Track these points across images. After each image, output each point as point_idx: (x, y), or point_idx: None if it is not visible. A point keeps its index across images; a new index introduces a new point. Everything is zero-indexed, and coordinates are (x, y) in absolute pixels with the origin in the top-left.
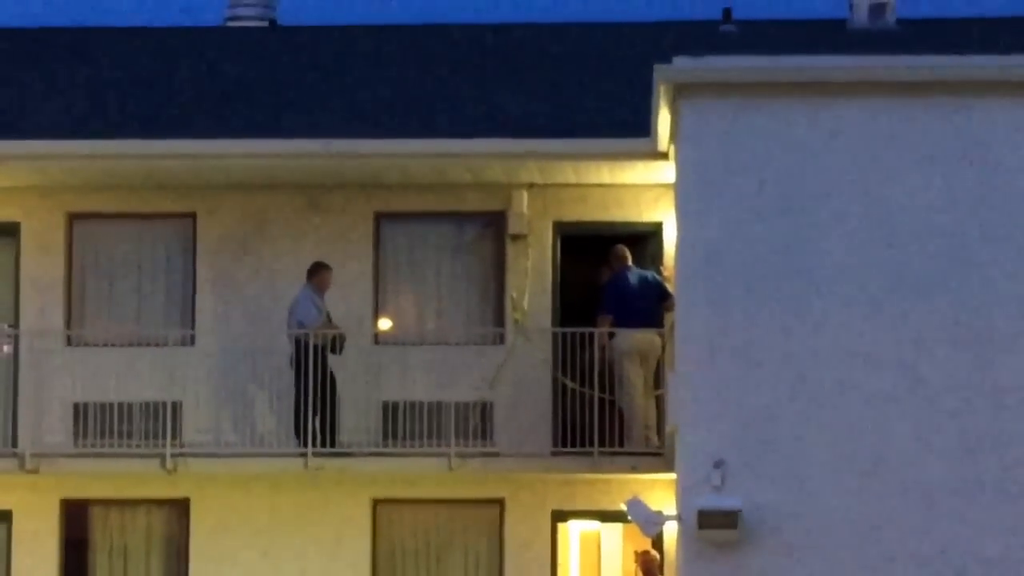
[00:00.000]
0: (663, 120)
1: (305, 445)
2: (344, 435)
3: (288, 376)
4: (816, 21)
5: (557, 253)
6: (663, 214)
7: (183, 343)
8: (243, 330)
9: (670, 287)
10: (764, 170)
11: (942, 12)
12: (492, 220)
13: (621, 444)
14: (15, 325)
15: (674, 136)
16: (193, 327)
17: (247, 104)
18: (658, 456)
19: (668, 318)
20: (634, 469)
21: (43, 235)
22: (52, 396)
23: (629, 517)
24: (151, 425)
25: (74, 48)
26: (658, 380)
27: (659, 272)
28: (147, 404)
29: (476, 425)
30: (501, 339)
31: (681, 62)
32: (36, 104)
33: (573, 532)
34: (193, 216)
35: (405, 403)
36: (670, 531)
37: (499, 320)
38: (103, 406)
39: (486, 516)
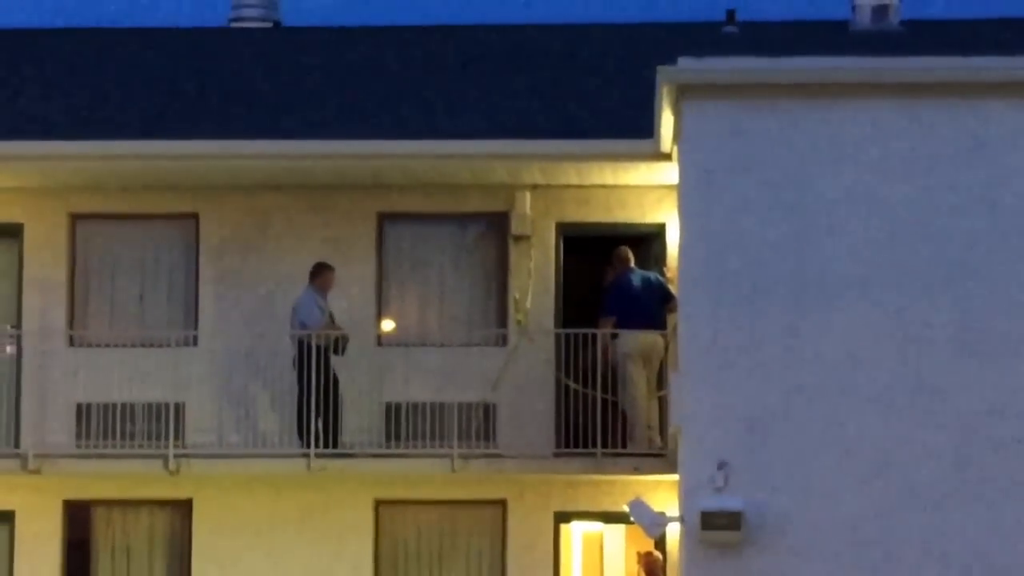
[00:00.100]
0: (666, 121)
1: (308, 446)
2: (347, 436)
3: (290, 377)
4: (819, 22)
5: (560, 254)
6: (666, 215)
7: (186, 344)
8: (246, 331)
9: (673, 288)
10: (767, 171)
11: (945, 13)
12: (495, 221)
13: (624, 445)
14: (18, 326)
15: (677, 137)
16: (196, 328)
17: (250, 105)
18: (661, 457)
19: (671, 319)
20: (637, 470)
21: (46, 236)
22: (55, 397)
23: (632, 518)
24: (154, 426)
25: (77, 49)
26: (661, 381)
27: (662, 273)
28: (150, 405)
29: (479, 426)
30: (504, 340)
31: (684, 63)
32: (39, 105)
33: (576, 533)
34: (196, 217)
35: (408, 404)
36: (673, 532)
37: (502, 321)
38: (106, 407)
39: (489, 517)
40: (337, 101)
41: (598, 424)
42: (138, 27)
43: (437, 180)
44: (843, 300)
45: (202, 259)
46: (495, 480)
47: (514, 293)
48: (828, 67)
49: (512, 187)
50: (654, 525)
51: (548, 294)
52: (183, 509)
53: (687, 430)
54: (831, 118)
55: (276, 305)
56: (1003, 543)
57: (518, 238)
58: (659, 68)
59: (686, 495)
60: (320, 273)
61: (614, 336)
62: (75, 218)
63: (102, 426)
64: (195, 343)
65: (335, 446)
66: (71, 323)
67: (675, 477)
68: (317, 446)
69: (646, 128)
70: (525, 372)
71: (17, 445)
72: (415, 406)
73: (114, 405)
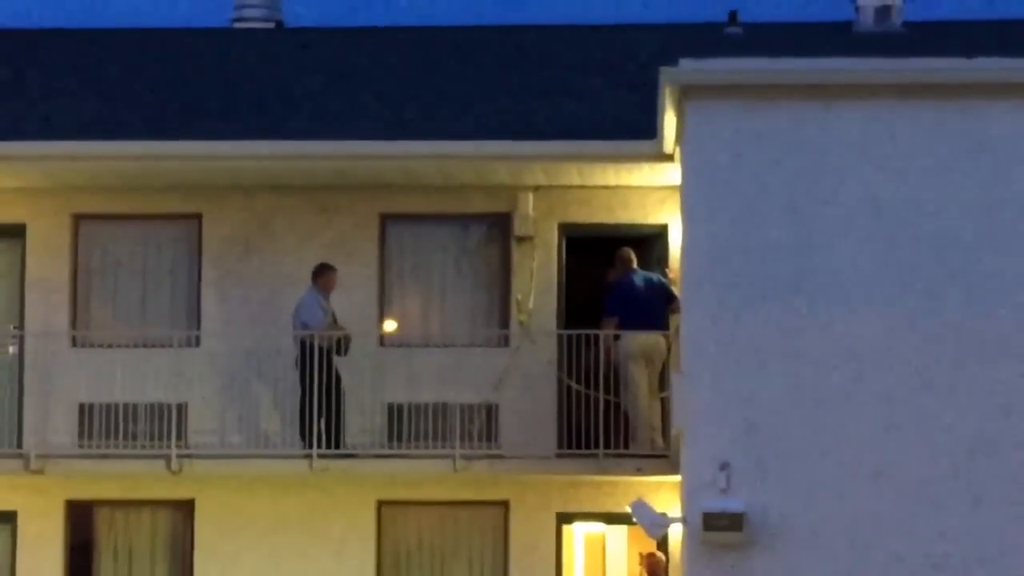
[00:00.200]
0: (669, 122)
1: (310, 446)
2: (349, 437)
3: (293, 377)
4: (822, 23)
5: (562, 255)
6: (669, 216)
7: (188, 344)
8: (248, 331)
9: (675, 289)
10: (770, 172)
11: (948, 15)
12: (497, 222)
13: (626, 446)
14: (20, 326)
15: (680, 138)
16: (198, 328)
17: (252, 105)
18: (663, 458)
19: (673, 320)
20: (639, 471)
21: (49, 236)
22: (57, 397)
23: (634, 519)
24: (156, 426)
25: (80, 49)
26: (663, 382)
27: (664, 274)
28: (152, 405)
29: (481, 427)
30: (506, 341)
31: (687, 64)
32: (42, 105)
33: (578, 534)
34: (199, 217)
35: (410, 405)
36: (675, 533)
37: (504, 322)
38: (108, 407)
39: (491, 518)
40: (339, 102)
41: (600, 425)
42: (140, 27)
43: (439, 181)
44: (846, 301)
45: (204, 259)
46: (497, 481)
47: (516, 294)
48: (831, 68)
49: (514, 188)
50: (656, 526)
51: (550, 295)
52: (185, 509)
53: (689, 431)
54: (834, 119)
55: (278, 305)
56: (1005, 545)
57: (520, 239)
58: (662, 69)
59: (688, 496)
60: (322, 273)
61: (616, 337)
62: (78, 218)
63: (104, 426)
64: (197, 343)
65: (339, 447)
66: (74, 323)
67: (677, 478)
68: (320, 447)
69: (649, 129)
70: (527, 373)
71: (19, 445)
72: (417, 407)
73: (116, 405)
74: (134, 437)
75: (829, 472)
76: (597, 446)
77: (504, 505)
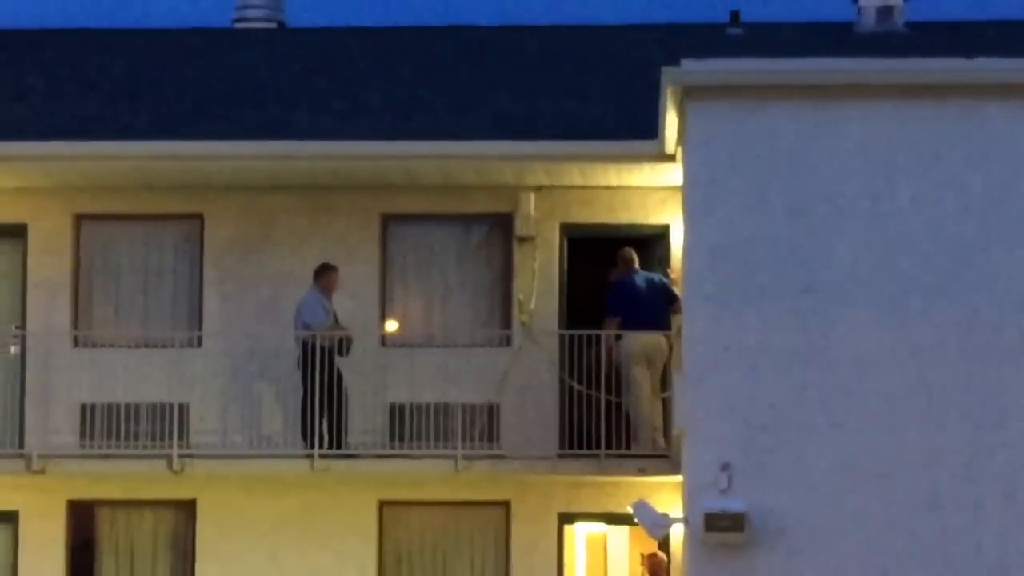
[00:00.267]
0: (670, 122)
1: (311, 446)
2: (351, 437)
3: (295, 377)
4: (824, 24)
5: (564, 255)
6: (670, 216)
7: (190, 344)
8: (250, 331)
9: (677, 290)
10: (771, 173)
11: (950, 15)
12: (499, 222)
13: (628, 446)
14: (22, 326)
15: (681, 138)
16: (200, 328)
17: (254, 105)
18: (665, 459)
19: (675, 320)
20: (641, 471)
21: (50, 236)
22: (59, 397)
23: (635, 519)
24: (158, 426)
25: (81, 49)
26: (665, 382)
27: (666, 274)
28: (154, 405)
29: (483, 427)
30: (508, 341)
31: (688, 65)
32: (43, 105)
33: (580, 534)
34: (200, 217)
35: (412, 405)
36: (676, 534)
37: (506, 322)
38: (110, 407)
39: (492, 518)
40: (341, 102)
41: (602, 425)
42: (142, 27)
43: (441, 181)
44: (848, 302)
45: (206, 260)
46: (499, 481)
47: (518, 294)
48: (832, 69)
49: (516, 188)
50: (658, 526)
51: (552, 295)
52: (187, 509)
53: (691, 431)
54: (835, 120)
55: (280, 305)
56: (1008, 545)
57: (522, 239)
58: (663, 69)
59: (690, 496)
60: (324, 274)
61: (618, 337)
62: (79, 218)
63: (106, 426)
64: (199, 343)
65: (340, 446)
66: (75, 323)
67: (679, 478)
68: (323, 446)
69: (650, 129)
70: (529, 373)
71: (21, 445)
72: (419, 407)
73: (118, 405)
74: (136, 437)
75: (830, 472)
76: (599, 446)
77: (505, 505)
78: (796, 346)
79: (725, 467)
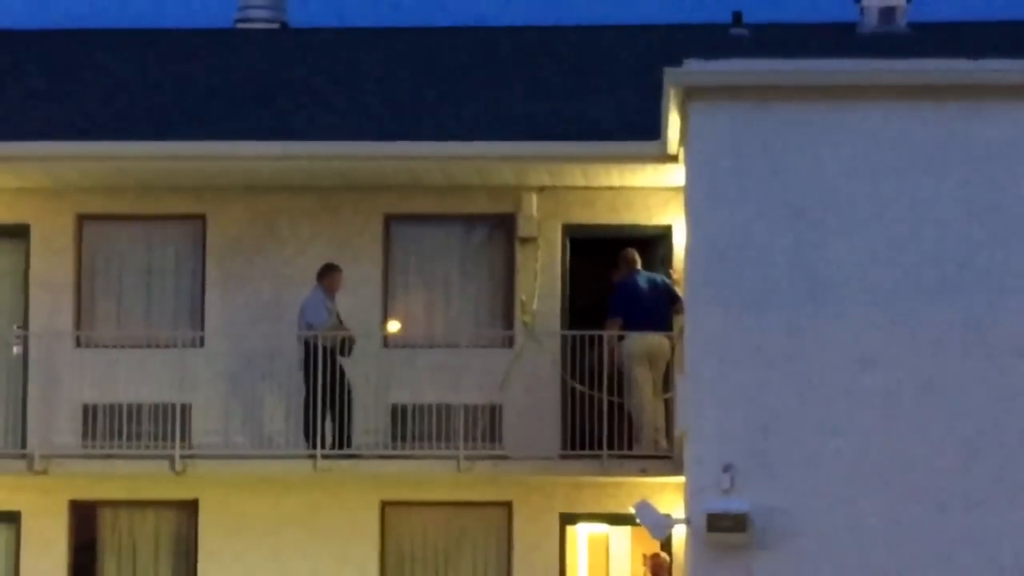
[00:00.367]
0: (673, 123)
1: (314, 447)
2: (353, 437)
3: (297, 378)
4: (826, 25)
5: (566, 256)
6: (672, 217)
7: (192, 345)
8: (252, 332)
9: (679, 290)
10: (774, 173)
11: (953, 16)
12: (501, 223)
13: (630, 447)
14: (24, 326)
15: (684, 139)
16: (202, 329)
17: (257, 106)
18: (667, 459)
19: (677, 321)
20: (643, 472)
21: (53, 236)
22: (61, 397)
23: (638, 520)
24: (160, 426)
25: (84, 49)
26: (667, 383)
27: (668, 275)
28: (156, 405)
29: (485, 427)
30: (510, 342)
31: (691, 65)
32: (46, 105)
33: (582, 535)
34: (203, 218)
35: (414, 405)
36: (679, 534)
37: (508, 323)
38: (112, 407)
39: (494, 519)
40: (343, 102)
41: (604, 426)
42: (144, 28)
43: (443, 182)
44: (850, 302)
45: (208, 260)
46: (501, 482)
47: (520, 295)
48: (835, 69)
49: (518, 189)
50: (660, 527)
51: (554, 296)
52: (189, 510)
53: (693, 432)
54: (838, 120)
55: (282, 306)
56: (1010, 545)
57: (524, 240)
58: (666, 70)
59: (692, 497)
60: (328, 274)
61: (620, 338)
62: (82, 219)
63: (108, 427)
64: (201, 344)
65: (344, 447)
66: (78, 324)
67: (681, 479)
68: (326, 447)
69: (653, 130)
70: (531, 374)
71: (24, 446)
72: (421, 407)
73: (120, 406)
74: (138, 437)
75: (833, 473)
76: (601, 447)
77: (507, 506)
78: (798, 346)
79: (727, 468)
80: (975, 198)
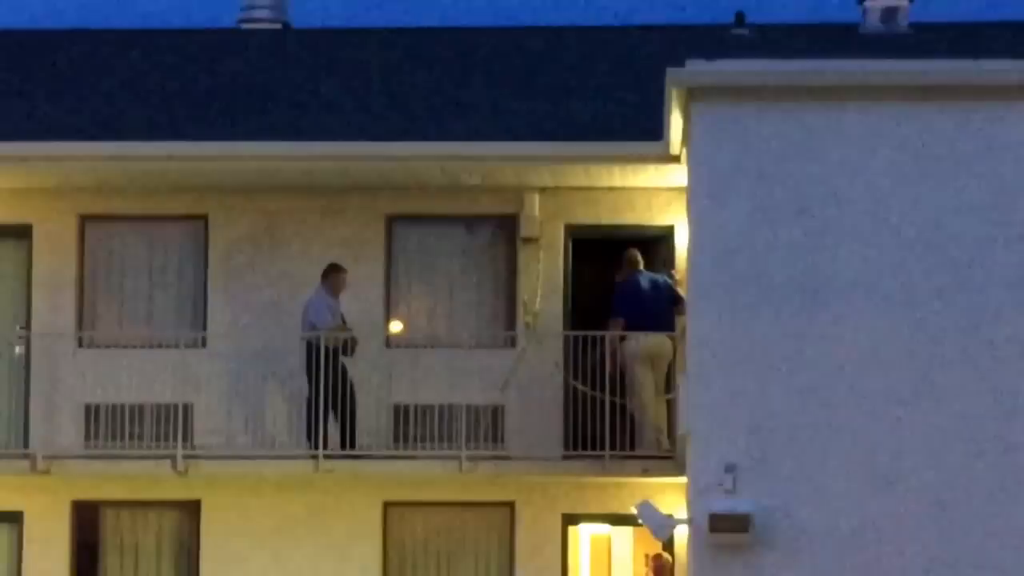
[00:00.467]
0: (675, 123)
1: (316, 447)
2: (356, 437)
3: (300, 378)
4: (829, 25)
5: (569, 256)
6: (675, 217)
7: (195, 345)
8: (255, 332)
9: (681, 291)
10: (776, 174)
11: (955, 16)
12: (504, 223)
13: (632, 447)
14: (27, 326)
15: (686, 139)
16: (205, 329)
17: (259, 107)
18: (669, 459)
19: (679, 322)
20: (645, 472)
21: (55, 237)
22: (64, 397)
23: (640, 520)
24: (162, 427)
25: (87, 50)
26: (669, 383)
27: (670, 276)
28: (159, 406)
29: (487, 428)
30: (512, 342)
31: (693, 66)
32: (49, 106)
33: (584, 535)
34: (205, 218)
35: (416, 406)
36: (681, 535)
37: (510, 323)
38: (114, 408)
39: (497, 519)
40: (346, 103)
41: (606, 426)
42: (147, 28)
43: (446, 182)
44: (852, 303)
45: (211, 260)
46: (503, 482)
47: (523, 295)
48: (837, 70)
49: (521, 189)
50: (662, 527)
51: (556, 296)
52: (191, 510)
53: (696, 432)
54: (840, 121)
55: (285, 306)
56: (1011, 547)
57: (527, 240)
58: (668, 70)
59: (694, 497)
60: (332, 274)
61: (622, 338)
62: (84, 219)
63: (111, 427)
64: (204, 344)
65: (348, 447)
66: (80, 324)
67: (683, 479)
68: (329, 447)
69: (655, 130)
70: (533, 374)
71: (26, 446)
72: (423, 408)
73: (123, 406)
74: (140, 438)
75: (835, 473)
76: (603, 447)
77: (510, 506)
78: (801, 347)
79: (730, 468)
80: (976, 198)
